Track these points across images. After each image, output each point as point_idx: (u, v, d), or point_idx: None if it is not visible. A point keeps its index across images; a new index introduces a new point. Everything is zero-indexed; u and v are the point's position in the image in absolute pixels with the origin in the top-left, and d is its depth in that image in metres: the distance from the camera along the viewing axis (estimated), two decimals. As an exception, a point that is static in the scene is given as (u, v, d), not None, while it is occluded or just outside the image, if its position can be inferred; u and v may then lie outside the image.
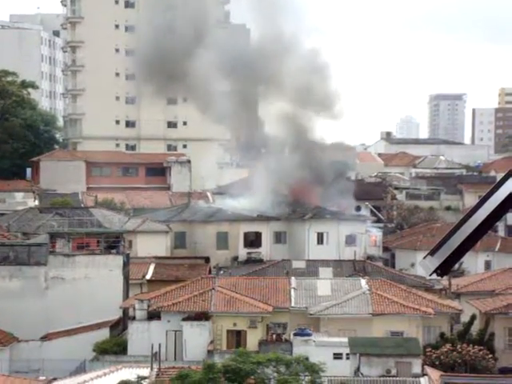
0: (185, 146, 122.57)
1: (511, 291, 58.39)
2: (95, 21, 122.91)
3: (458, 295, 61.57)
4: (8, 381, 40.89)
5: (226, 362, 36.70)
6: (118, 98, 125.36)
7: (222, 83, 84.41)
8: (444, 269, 6.70)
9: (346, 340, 46.55)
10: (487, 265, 78.34)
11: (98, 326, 54.12)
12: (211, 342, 50.35)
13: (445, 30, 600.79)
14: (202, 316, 51.03)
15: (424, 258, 6.93)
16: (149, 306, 51.57)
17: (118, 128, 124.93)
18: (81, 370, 47.47)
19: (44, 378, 43.75)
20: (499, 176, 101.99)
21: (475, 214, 6.36)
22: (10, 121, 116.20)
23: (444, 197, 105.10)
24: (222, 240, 77.70)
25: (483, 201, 6.36)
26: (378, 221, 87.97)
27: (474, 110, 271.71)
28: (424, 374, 41.41)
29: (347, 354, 45.52)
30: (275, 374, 36.05)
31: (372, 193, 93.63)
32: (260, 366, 36.24)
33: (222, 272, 65.88)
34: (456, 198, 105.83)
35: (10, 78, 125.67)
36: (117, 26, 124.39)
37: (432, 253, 6.78)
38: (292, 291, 54.97)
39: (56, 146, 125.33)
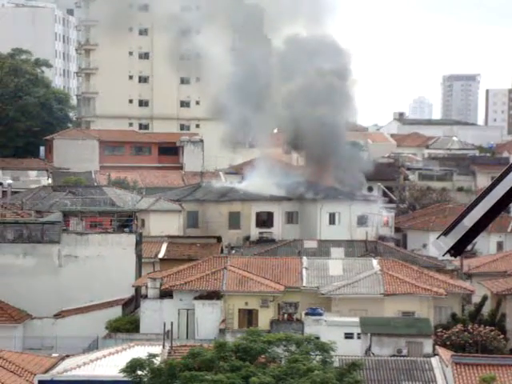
0: (197, 126, 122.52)
1: (523, 273, 58.34)
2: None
3: (469, 276, 61.58)
4: (21, 357, 41.24)
5: (238, 341, 36.84)
6: (131, 77, 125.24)
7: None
8: (458, 249, 6.71)
9: (357, 320, 46.70)
10: (499, 246, 78.26)
11: (111, 303, 54.42)
12: (223, 321, 50.57)
13: (459, 11, 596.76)
14: (214, 295, 51.23)
15: (437, 237, 6.94)
16: (161, 285, 51.79)
17: (131, 107, 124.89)
18: (93, 347, 47.80)
19: (57, 354, 44.08)
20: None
21: (490, 193, 6.39)
22: (24, 99, 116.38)
23: (456, 178, 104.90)
24: (234, 219, 77.79)
25: (499, 180, 6.39)
26: (390, 201, 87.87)
27: (487, 91, 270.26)
28: (435, 354, 41.52)
29: (358, 334, 45.69)
30: (286, 353, 36.18)
31: (384, 173, 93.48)
32: (271, 345, 36.37)
33: (233, 251, 66.04)
34: (469, 178, 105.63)
35: (23, 57, 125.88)
36: (131, 5, 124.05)
37: (446, 233, 6.79)
38: (304, 271, 55.09)
39: (69, 125, 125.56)
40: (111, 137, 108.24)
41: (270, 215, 78.51)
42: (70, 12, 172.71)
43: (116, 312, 53.68)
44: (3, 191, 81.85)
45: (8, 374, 38.27)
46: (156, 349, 39.19)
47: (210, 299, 50.94)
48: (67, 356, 42.55)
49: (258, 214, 78.42)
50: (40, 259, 56.40)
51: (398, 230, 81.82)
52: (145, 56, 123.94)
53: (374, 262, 56.35)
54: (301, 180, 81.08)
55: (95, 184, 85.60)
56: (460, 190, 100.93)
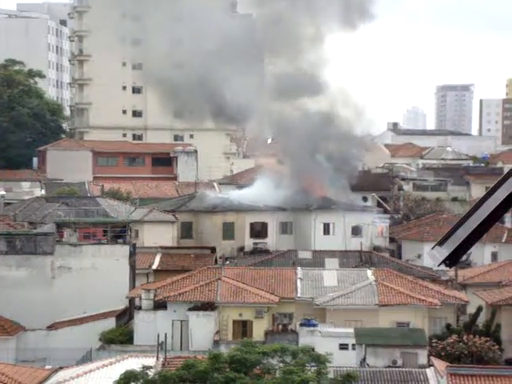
0: (191, 136, 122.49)
1: (518, 283, 58.28)
2: (102, 10, 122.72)
3: (464, 286, 61.51)
4: (14, 370, 41.00)
5: (232, 352, 36.69)
6: (124, 88, 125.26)
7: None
8: (453, 259, 6.63)
9: (352, 331, 46.57)
10: (494, 256, 78.19)
11: (105, 315, 54.19)
12: (217, 332, 50.40)
13: (452, 21, 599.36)
14: (208, 306, 51.07)
15: (432, 248, 6.85)
16: (155, 296, 51.62)
17: (124, 118, 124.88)
18: (87, 359, 47.56)
19: (50, 366, 43.86)
20: (506, 167, 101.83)
21: (485, 204, 6.30)
22: (17, 110, 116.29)
23: (451, 188, 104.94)
24: (229, 230, 77.66)
25: (493, 190, 6.30)
26: (385, 212, 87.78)
27: (481, 101, 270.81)
28: (430, 365, 41.39)
29: (353, 345, 45.54)
30: (281, 365, 36.04)
31: (378, 184, 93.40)
32: (265, 356, 36.22)
33: (228, 262, 65.88)
34: (463, 189, 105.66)
35: (16, 67, 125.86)
36: (124, 15, 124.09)
37: (440, 243, 6.71)
38: (298, 282, 54.96)
39: (63, 136, 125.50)
40: (105, 147, 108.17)
41: (264, 226, 78.40)
42: (63, 23, 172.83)
43: (109, 323, 53.46)
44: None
45: (0, 386, 38.04)
46: (150, 360, 39.03)
47: (204, 310, 50.78)
48: (60, 368, 42.33)
49: (252, 225, 78.31)
50: (33, 271, 56.18)
51: (392, 240, 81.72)
52: (138, 66, 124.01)
53: (369, 272, 56.25)
54: (295, 190, 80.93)
55: (89, 195, 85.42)
56: (454, 200, 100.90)
